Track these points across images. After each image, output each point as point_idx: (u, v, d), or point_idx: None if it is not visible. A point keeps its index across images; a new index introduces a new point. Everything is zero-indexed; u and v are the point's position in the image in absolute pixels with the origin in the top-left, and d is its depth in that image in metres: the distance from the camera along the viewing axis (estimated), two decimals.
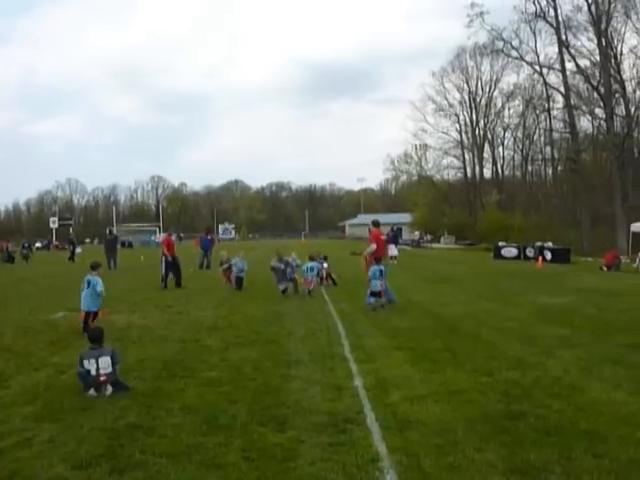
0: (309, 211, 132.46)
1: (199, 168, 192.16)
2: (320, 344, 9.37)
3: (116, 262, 28.08)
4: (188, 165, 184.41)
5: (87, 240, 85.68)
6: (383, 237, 15.12)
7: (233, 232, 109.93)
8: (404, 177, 79.69)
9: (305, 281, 15.97)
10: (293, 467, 4.57)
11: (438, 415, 5.73)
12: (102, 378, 6.51)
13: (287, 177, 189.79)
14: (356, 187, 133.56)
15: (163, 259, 19.13)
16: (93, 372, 6.51)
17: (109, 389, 6.54)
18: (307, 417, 5.71)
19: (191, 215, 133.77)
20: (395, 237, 34.73)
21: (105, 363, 6.56)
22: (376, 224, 14.85)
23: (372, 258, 13.69)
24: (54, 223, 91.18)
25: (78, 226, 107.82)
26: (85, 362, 6.56)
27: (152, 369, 7.78)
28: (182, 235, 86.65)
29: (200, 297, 15.95)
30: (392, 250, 32.15)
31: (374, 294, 12.83)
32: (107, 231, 36.08)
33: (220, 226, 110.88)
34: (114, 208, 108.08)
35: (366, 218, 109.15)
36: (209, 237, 27.73)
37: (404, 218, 78.06)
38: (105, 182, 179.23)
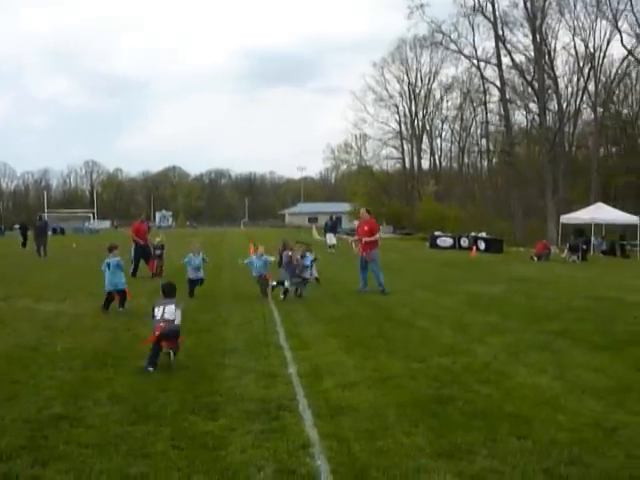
0: (249, 199, 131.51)
1: (136, 154, 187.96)
2: (255, 332, 9.33)
3: (46, 249, 27.13)
4: (124, 151, 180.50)
5: (16, 226, 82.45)
6: None
7: (171, 219, 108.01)
8: (344, 167, 79.83)
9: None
10: (223, 455, 4.53)
11: (370, 401, 5.80)
12: (161, 324, 7.11)
13: (226, 165, 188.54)
14: (296, 176, 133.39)
15: (133, 246, 18.39)
16: (158, 317, 7.21)
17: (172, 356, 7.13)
18: (239, 405, 5.68)
19: (127, 202, 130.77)
20: (334, 226, 34.86)
21: (170, 310, 7.27)
22: (369, 212, 14.87)
23: (374, 246, 13.67)
24: None
25: (6, 212, 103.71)
26: (155, 309, 7.36)
27: (81, 358, 7.57)
28: (117, 223, 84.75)
29: (134, 284, 15.56)
30: (331, 239, 32.40)
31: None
32: (37, 217, 34.77)
33: (157, 213, 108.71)
34: (45, 193, 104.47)
35: (306, 207, 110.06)
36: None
37: (343, 207, 78.48)
38: (36, 166, 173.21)
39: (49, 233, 32.62)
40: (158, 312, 7.30)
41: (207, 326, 9.84)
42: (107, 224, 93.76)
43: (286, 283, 12.96)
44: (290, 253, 13.51)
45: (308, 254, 13.97)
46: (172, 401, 5.78)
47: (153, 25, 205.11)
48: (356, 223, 64.18)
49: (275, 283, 13.19)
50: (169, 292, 7.66)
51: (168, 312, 7.26)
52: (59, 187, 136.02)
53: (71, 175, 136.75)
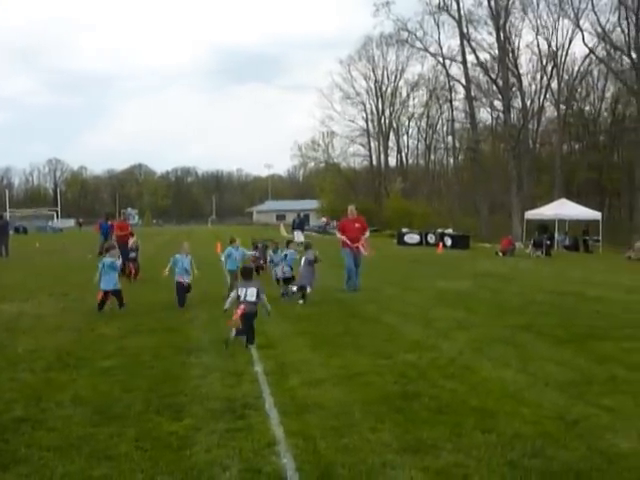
0: (216, 197, 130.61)
1: (100, 152, 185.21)
2: (222, 331, 9.18)
3: (8, 249, 26.55)
4: (89, 148, 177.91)
5: None
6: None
7: (137, 218, 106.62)
8: (311, 164, 79.84)
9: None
10: (188, 455, 4.48)
11: (336, 398, 5.80)
12: (242, 305, 8.09)
13: (193, 162, 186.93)
14: (264, 173, 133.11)
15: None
16: (241, 298, 8.17)
17: (233, 332, 8.20)
18: (205, 404, 5.63)
19: (91, 200, 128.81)
20: (301, 223, 34.82)
21: (251, 293, 8.21)
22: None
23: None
24: None
25: None
26: (239, 290, 8.30)
27: (43, 359, 7.42)
28: (82, 220, 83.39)
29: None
30: (299, 236, 32.33)
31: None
32: None
33: (123, 211, 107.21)
34: (7, 192, 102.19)
35: (274, 205, 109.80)
36: (109, 223, 26.72)
37: (311, 204, 78.52)
38: None
39: (11, 232, 31.93)
40: (241, 293, 8.23)
41: (173, 325, 9.75)
42: (71, 222, 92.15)
43: (308, 289, 11.99)
44: (313, 252, 12.53)
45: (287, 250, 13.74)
46: (136, 402, 5.70)
47: (117, 20, 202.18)
48: (324, 220, 63.89)
49: (295, 289, 12.04)
50: (247, 275, 8.63)
51: (250, 294, 8.21)
52: (21, 185, 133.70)
53: (34, 173, 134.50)
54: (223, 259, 13.23)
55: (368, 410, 5.43)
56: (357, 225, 13.69)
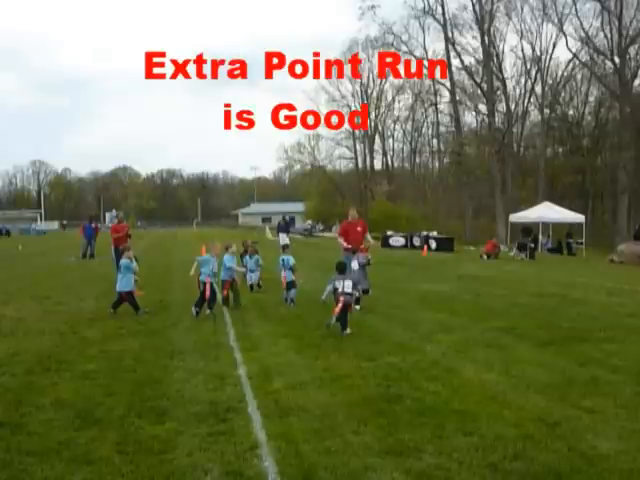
0: (201, 199, 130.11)
1: (85, 153, 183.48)
2: (205, 333, 9.23)
3: None
4: (73, 150, 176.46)
5: None
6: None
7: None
8: (297, 166, 79.78)
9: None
10: (169, 459, 4.46)
11: (319, 401, 5.79)
12: (341, 297, 8.95)
13: (179, 164, 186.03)
14: (249, 175, 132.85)
15: (112, 249, 17.29)
16: (340, 289, 9.06)
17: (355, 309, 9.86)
18: (187, 407, 5.61)
19: (76, 202, 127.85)
20: (287, 226, 34.83)
21: (348, 285, 9.13)
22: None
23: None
24: None
25: None
26: (336, 283, 9.18)
27: (24, 363, 7.35)
28: (65, 223, 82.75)
29: (82, 287, 15.25)
30: (284, 239, 32.31)
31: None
32: None
33: (107, 214, 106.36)
34: None
35: (259, 207, 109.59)
36: (93, 225, 26.57)
37: (297, 207, 78.55)
38: None
39: None
40: (339, 286, 9.10)
41: (156, 328, 9.68)
42: (55, 225, 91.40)
43: (356, 293, 10.60)
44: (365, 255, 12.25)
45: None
46: (118, 405, 5.67)
47: (102, 21, 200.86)
48: (309, 223, 63.54)
49: (358, 293, 10.63)
50: (342, 270, 9.54)
51: (347, 286, 9.08)
52: (4, 187, 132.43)
53: (17, 175, 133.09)
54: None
55: (351, 413, 5.44)
56: (359, 229, 13.52)
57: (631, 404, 5.77)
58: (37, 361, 7.46)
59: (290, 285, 12.25)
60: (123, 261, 11.30)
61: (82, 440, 4.82)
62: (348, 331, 8.95)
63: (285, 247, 13.72)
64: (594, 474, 4.24)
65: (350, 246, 12.60)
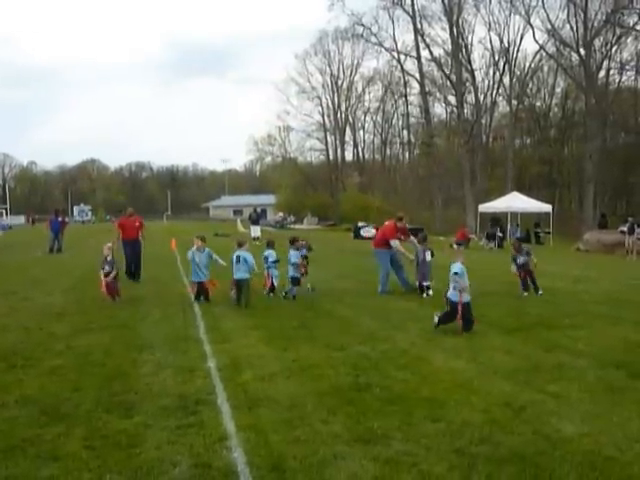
0: (171, 192, 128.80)
1: (51, 147, 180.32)
2: (175, 327, 9.17)
3: None
4: (39, 143, 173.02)
5: None
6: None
7: (90, 214, 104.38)
8: (268, 158, 79.41)
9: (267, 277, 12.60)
10: (137, 453, 4.43)
11: (289, 391, 5.81)
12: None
13: (147, 157, 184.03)
14: (220, 168, 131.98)
15: (119, 244, 16.51)
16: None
17: None
18: (156, 401, 5.57)
19: (42, 196, 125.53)
20: (258, 218, 34.73)
21: None
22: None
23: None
24: None
25: None
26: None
27: None
28: (36, 217, 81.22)
29: (48, 282, 15.01)
30: (255, 231, 32.23)
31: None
32: None
33: (75, 207, 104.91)
34: None
35: (230, 200, 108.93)
36: (59, 219, 26.17)
37: (269, 199, 78.23)
38: None
39: None
40: None
41: (124, 322, 9.58)
42: (22, 219, 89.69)
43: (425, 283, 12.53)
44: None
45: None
46: (85, 400, 5.60)
47: (66, 12, 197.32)
48: (280, 215, 63.33)
49: (430, 291, 12.32)
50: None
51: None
52: None
53: None
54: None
55: (320, 402, 5.46)
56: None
57: (594, 388, 5.90)
58: (2, 358, 7.31)
59: (294, 281, 12.15)
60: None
61: (48, 436, 4.75)
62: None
63: (269, 243, 13.21)
64: (558, 456, 4.32)
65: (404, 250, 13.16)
